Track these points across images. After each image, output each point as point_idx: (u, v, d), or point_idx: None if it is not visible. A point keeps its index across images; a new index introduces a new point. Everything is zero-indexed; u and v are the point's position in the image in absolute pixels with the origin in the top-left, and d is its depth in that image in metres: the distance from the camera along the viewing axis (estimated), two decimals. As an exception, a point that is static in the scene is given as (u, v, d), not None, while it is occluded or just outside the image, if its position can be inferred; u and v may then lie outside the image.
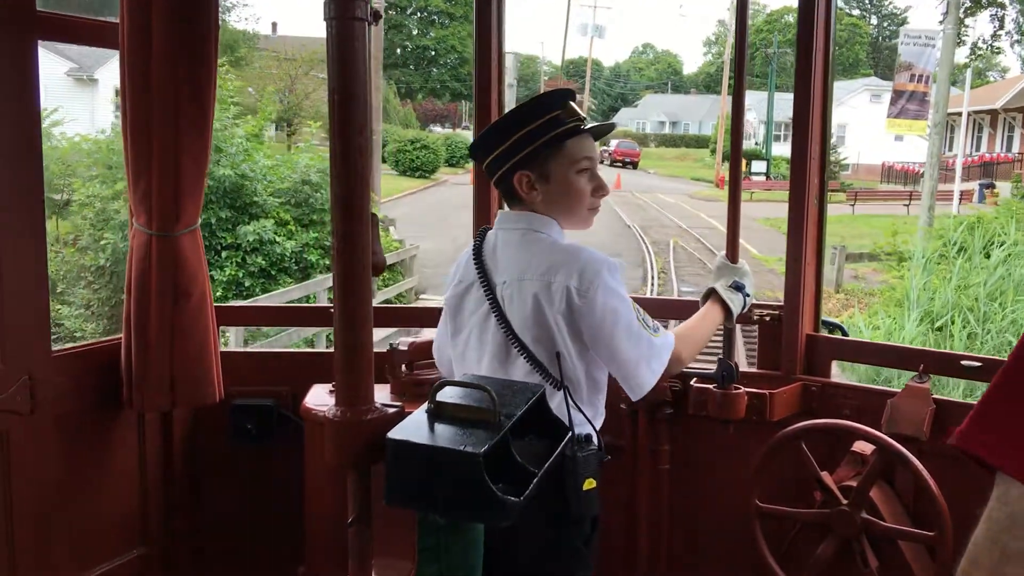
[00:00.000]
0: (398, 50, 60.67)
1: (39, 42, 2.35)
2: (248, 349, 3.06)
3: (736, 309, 2.38)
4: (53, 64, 23.09)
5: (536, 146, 2.02)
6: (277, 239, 12.56)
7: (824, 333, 2.76)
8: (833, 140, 43.15)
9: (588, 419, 2.01)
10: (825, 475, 2.44)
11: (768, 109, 46.99)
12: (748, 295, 2.43)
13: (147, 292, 2.53)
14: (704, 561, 2.82)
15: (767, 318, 2.72)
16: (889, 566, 2.40)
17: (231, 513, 2.94)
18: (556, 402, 1.98)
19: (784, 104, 55.30)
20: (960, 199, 26.28)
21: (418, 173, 37.44)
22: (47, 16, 2.40)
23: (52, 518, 2.46)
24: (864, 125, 46.79)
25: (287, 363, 3.07)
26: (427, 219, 23.77)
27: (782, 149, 52.87)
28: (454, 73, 66.52)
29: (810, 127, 2.60)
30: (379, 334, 2.77)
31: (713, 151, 46.51)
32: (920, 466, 2.28)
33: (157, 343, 2.54)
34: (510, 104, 2.86)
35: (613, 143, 55.47)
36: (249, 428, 2.90)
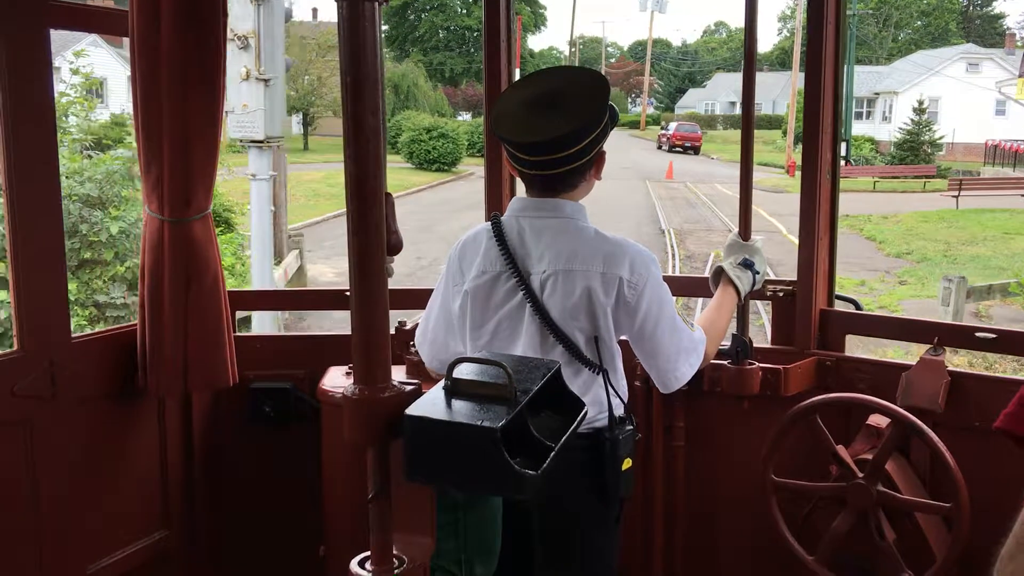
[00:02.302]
0: (440, 32, 57.25)
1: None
2: (265, 333, 3.07)
3: (744, 288, 2.40)
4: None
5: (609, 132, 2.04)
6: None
7: (838, 308, 2.76)
8: (925, 116, 37.19)
9: (623, 401, 2.04)
10: (840, 449, 2.45)
11: (847, 85, 38.28)
12: (758, 272, 2.44)
13: (160, 278, 2.56)
14: (720, 537, 2.83)
15: (780, 293, 2.72)
16: (905, 539, 2.41)
17: (251, 495, 2.97)
18: (596, 388, 2.02)
19: (867, 78, 47.89)
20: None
21: (435, 166, 32.73)
22: (58, 5, 2.42)
23: (76, 501, 2.50)
24: (960, 98, 41.99)
25: (304, 346, 3.10)
26: (405, 227, 19.69)
27: (864, 127, 45.10)
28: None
29: (822, 98, 2.59)
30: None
31: (785, 132, 41.42)
32: (936, 438, 2.29)
33: (171, 328, 2.57)
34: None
35: (672, 126, 49.94)
36: (267, 411, 2.93)
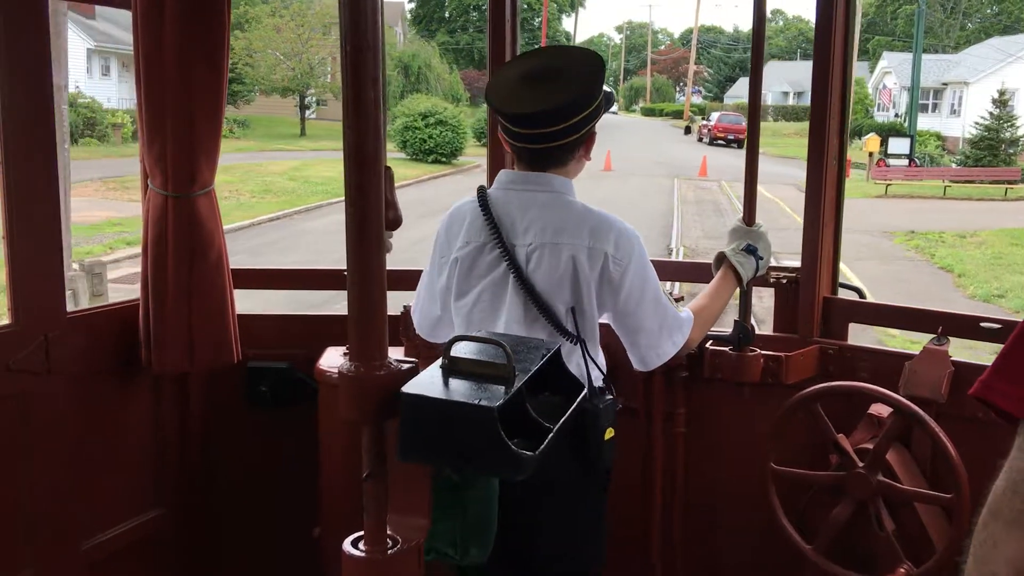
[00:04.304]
0: (473, 13, 54.45)
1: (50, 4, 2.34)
2: (263, 312, 2.98)
3: (746, 275, 2.38)
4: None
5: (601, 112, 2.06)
6: None
7: (841, 295, 2.73)
8: (1006, 108, 32.15)
9: (601, 371, 2.05)
10: (841, 438, 2.43)
11: (913, 73, 35.64)
12: (761, 258, 2.42)
13: (164, 254, 2.54)
14: (719, 524, 2.82)
15: (784, 280, 2.70)
16: (905, 529, 2.39)
17: (246, 474, 2.96)
18: (575, 359, 2.02)
19: (934, 66, 42.45)
20: None
21: (432, 157, 28.42)
22: None
23: (69, 478, 2.48)
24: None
25: (302, 326, 3.08)
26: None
27: (929, 122, 40.24)
28: (533, 36, 54.86)
29: (830, 84, 2.56)
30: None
31: (838, 126, 38.55)
32: (937, 428, 2.26)
33: (174, 305, 2.55)
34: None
35: (714, 116, 46.46)
36: (264, 390, 2.91)
